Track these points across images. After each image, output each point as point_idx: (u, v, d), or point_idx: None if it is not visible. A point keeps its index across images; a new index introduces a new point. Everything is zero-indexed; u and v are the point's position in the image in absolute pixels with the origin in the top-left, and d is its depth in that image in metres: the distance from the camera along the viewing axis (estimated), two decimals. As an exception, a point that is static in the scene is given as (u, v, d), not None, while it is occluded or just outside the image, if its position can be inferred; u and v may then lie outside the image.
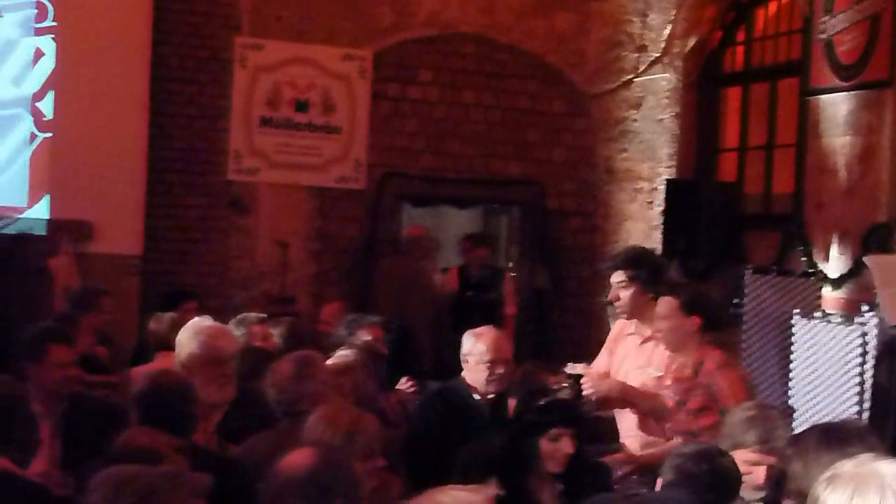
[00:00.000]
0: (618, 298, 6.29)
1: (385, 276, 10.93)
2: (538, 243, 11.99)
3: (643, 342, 6.31)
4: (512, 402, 5.90)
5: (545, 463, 5.05)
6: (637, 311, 6.30)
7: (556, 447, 5.08)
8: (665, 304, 5.99)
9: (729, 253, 10.85)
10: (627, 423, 6.30)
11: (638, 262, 6.32)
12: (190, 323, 5.93)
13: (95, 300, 8.39)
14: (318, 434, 4.28)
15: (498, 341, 6.29)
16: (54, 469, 5.36)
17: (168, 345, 6.42)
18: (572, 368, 6.14)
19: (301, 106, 11.26)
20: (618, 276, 6.29)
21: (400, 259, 10.91)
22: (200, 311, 8.42)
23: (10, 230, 10.13)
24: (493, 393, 6.21)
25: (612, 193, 12.16)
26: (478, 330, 6.42)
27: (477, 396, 6.24)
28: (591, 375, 6.16)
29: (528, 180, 11.93)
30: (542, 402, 5.19)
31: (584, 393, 5.98)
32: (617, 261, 6.42)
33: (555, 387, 5.75)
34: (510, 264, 12.00)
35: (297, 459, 3.60)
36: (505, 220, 12.49)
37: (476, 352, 6.26)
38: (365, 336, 7.19)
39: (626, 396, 6.12)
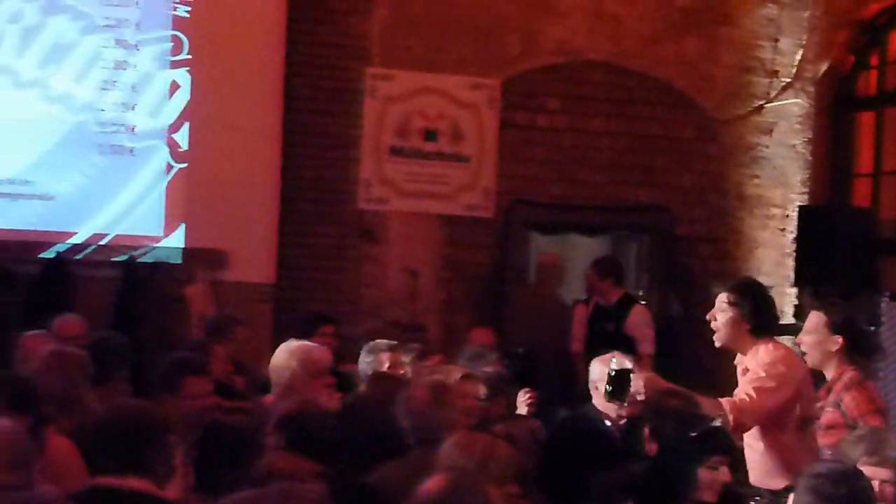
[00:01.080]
0: (714, 319, 6.22)
1: (519, 302, 10.88)
2: (668, 270, 11.90)
3: (743, 373, 6.24)
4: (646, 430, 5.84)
5: (701, 492, 4.99)
6: (731, 339, 6.20)
7: (715, 476, 5.02)
8: (813, 318, 6.03)
9: (864, 280, 10.64)
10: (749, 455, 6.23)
11: (743, 291, 6.24)
12: (280, 348, 6.09)
13: (229, 328, 8.50)
14: (452, 460, 4.30)
15: (627, 367, 6.25)
16: (189, 494, 5.45)
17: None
18: (620, 364, 6.02)
19: (430, 135, 11.34)
20: (721, 298, 6.23)
21: (532, 287, 10.87)
22: (337, 336, 8.59)
23: (147, 259, 10.36)
24: (625, 418, 6.17)
25: (744, 220, 12.02)
26: (605, 356, 6.39)
27: (608, 422, 6.22)
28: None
29: (657, 207, 11.85)
30: (700, 431, 5.12)
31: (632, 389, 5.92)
32: (727, 284, 6.36)
33: (709, 415, 5.68)
34: (640, 293, 11.87)
35: (432, 486, 3.62)
36: (634, 247, 12.39)
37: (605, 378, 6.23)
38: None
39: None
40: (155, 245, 10.41)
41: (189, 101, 10.52)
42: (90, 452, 4.31)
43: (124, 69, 10.44)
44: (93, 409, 5.96)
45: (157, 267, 10.34)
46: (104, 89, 10.39)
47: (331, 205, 11.09)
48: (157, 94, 10.52)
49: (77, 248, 10.24)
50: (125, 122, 10.43)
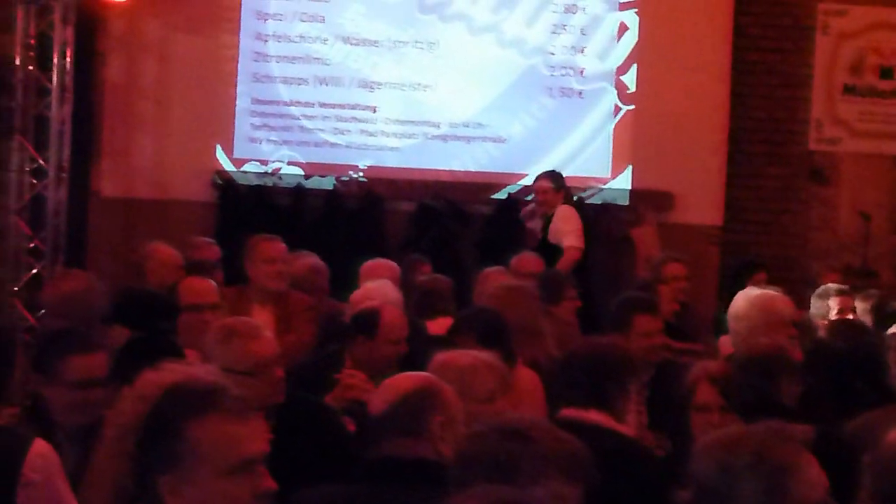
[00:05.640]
0: None
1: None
2: None
3: None
4: None
5: None
6: None
7: None
8: None
9: None
10: None
11: None
12: (740, 296, 5.98)
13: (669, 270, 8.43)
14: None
15: None
16: (643, 431, 5.50)
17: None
18: None
19: (886, 73, 10.86)
20: None
21: None
22: (770, 283, 8.38)
23: (595, 200, 10.51)
24: None
25: None
26: None
27: None
28: None
29: None
30: None
31: None
32: None
33: None
34: None
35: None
36: None
37: None
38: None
39: None
40: (602, 186, 10.54)
41: (637, 43, 10.55)
42: (558, 385, 4.43)
43: (574, 13, 10.59)
44: (547, 341, 6.13)
45: (605, 208, 10.48)
46: (554, 33, 10.60)
47: (780, 145, 10.85)
48: (606, 37, 10.61)
49: (527, 189, 10.50)
50: (575, 64, 10.60)
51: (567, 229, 9.29)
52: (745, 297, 5.88)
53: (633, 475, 4.02)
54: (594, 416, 4.20)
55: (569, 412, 4.23)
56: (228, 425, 2.60)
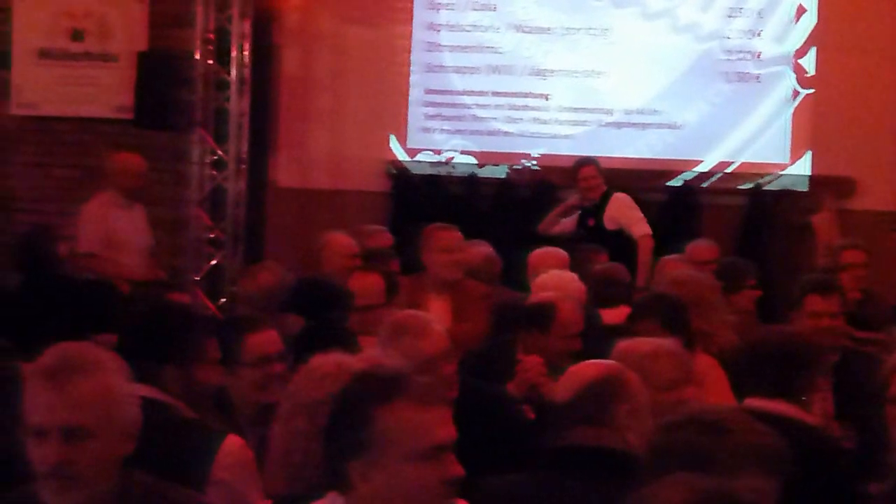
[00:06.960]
0: None
1: None
2: None
3: None
4: None
5: None
6: None
7: None
8: None
9: None
10: None
11: None
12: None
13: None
14: None
15: None
16: (829, 422, 5.37)
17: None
18: None
19: None
20: None
21: None
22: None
23: (773, 186, 10.31)
24: None
25: None
26: None
27: None
28: None
29: None
30: None
31: None
32: None
33: None
34: None
35: None
36: None
37: None
38: None
39: None
40: (781, 173, 10.33)
41: (816, 25, 10.29)
42: (740, 374, 4.36)
43: (751, -5, 10.40)
44: (729, 331, 6.03)
45: (783, 195, 10.27)
46: (730, 17, 10.39)
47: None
48: (783, 20, 10.37)
49: (703, 176, 10.37)
50: (751, 48, 10.39)
51: (636, 216, 9.26)
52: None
53: (824, 468, 3.92)
54: (781, 406, 4.12)
55: (753, 402, 4.15)
56: (417, 412, 2.61)
